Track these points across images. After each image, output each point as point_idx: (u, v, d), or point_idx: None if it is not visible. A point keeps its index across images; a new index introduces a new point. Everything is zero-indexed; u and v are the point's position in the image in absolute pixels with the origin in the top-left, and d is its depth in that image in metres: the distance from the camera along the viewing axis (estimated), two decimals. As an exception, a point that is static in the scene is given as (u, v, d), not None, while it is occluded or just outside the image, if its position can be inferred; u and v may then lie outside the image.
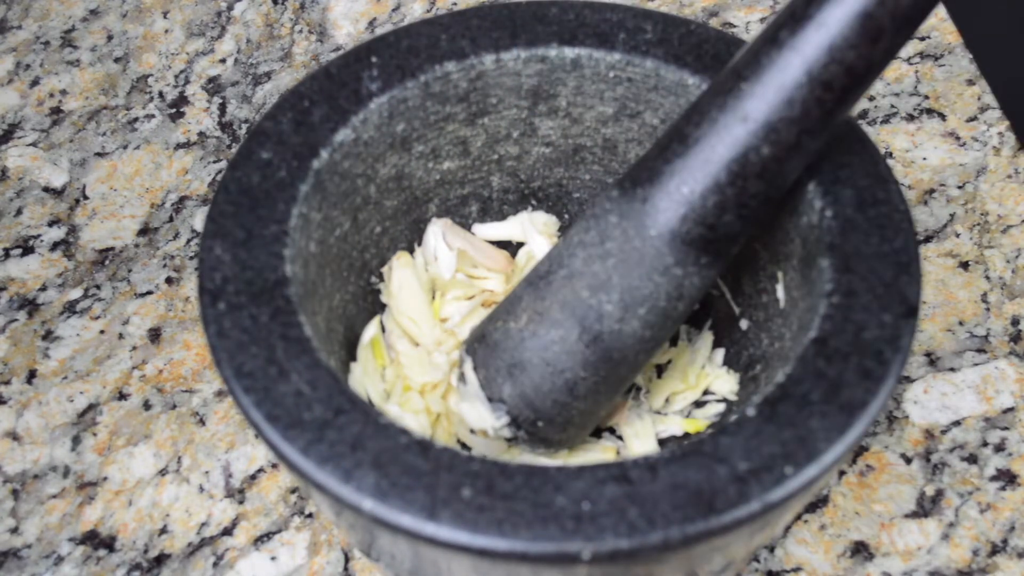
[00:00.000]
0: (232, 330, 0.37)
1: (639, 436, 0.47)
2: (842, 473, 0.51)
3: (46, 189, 0.63)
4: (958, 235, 0.59)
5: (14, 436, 0.53)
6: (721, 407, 0.48)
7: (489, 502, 0.33)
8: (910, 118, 0.64)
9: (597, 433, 0.48)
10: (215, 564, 0.49)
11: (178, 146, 0.65)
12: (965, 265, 0.58)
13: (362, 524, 0.35)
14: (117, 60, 0.69)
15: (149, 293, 0.58)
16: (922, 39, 0.68)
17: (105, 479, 0.52)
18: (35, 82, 0.68)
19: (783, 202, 0.41)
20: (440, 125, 0.46)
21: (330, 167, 0.42)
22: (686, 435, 0.47)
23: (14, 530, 0.50)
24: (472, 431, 0.45)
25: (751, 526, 0.33)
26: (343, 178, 0.43)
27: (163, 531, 0.50)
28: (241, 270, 0.38)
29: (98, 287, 0.59)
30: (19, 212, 0.62)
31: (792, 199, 0.41)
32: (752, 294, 0.46)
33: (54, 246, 0.60)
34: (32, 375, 0.55)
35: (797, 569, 0.49)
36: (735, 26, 0.69)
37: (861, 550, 0.49)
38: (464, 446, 0.46)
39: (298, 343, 0.37)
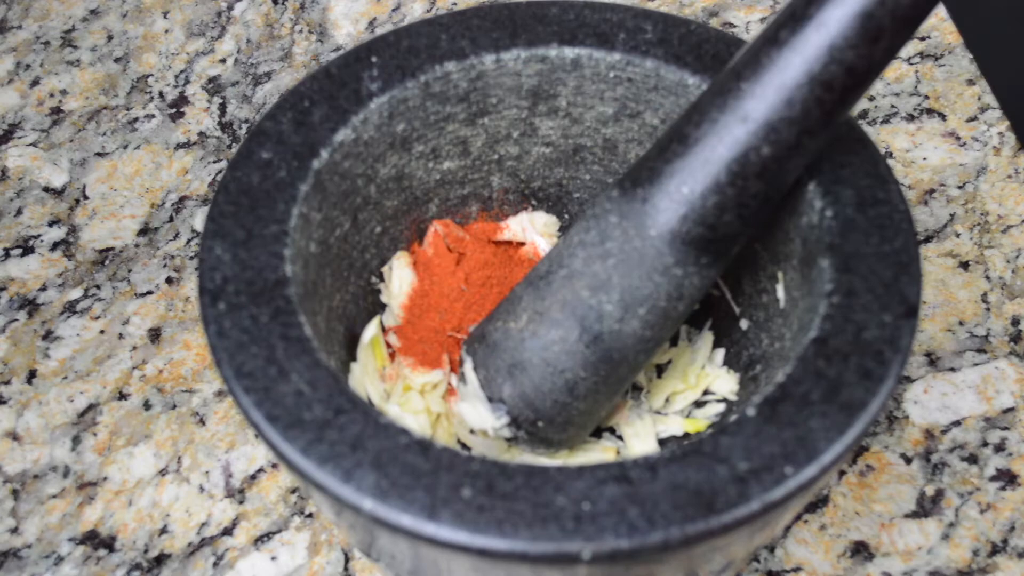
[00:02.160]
0: (232, 330, 0.37)
1: (639, 436, 0.47)
2: (842, 473, 0.51)
3: (46, 189, 0.63)
4: (958, 235, 0.59)
5: (14, 436, 0.53)
6: (721, 407, 0.48)
7: (489, 502, 0.33)
8: (910, 118, 0.64)
9: (597, 433, 0.48)
10: (215, 564, 0.49)
11: (178, 146, 0.65)
12: (965, 265, 0.58)
13: (362, 524, 0.35)
14: (117, 60, 0.69)
15: (149, 293, 0.58)
16: (922, 39, 0.68)
17: (105, 479, 0.52)
18: (35, 82, 0.68)
19: (783, 202, 0.41)
20: (440, 125, 0.46)
21: (330, 167, 0.42)
22: (686, 435, 0.47)
23: (14, 530, 0.50)
24: (472, 431, 0.45)
25: (751, 526, 0.33)
26: (343, 178, 0.43)
27: (163, 531, 0.50)
28: (241, 270, 0.38)
29: (98, 287, 0.59)
30: (19, 212, 0.62)
31: (792, 199, 0.41)
32: (752, 294, 0.46)
33: (54, 246, 0.60)
34: (32, 375, 0.55)
35: (797, 569, 0.49)
36: (735, 26, 0.69)
37: (861, 550, 0.49)
38: (464, 446, 0.46)
39: (298, 343, 0.37)
